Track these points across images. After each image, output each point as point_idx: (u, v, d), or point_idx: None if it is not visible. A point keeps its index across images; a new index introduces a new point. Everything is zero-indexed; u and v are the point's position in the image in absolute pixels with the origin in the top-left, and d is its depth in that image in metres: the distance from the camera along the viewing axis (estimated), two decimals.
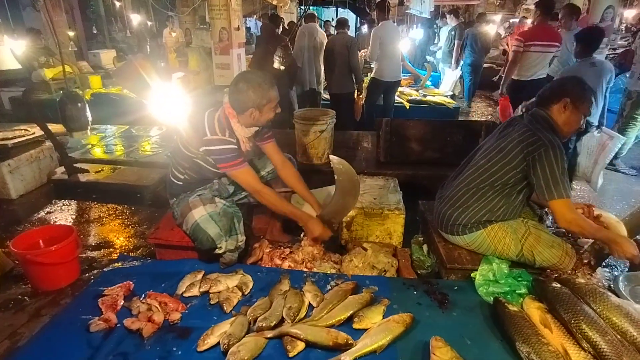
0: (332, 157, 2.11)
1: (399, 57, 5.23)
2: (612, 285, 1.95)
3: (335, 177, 2.13)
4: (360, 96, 5.16)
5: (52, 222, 2.97)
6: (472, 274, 1.96)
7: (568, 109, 1.87)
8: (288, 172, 2.33)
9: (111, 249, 2.59)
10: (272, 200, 2.12)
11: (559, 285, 1.69)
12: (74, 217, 3.09)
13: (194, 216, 2.02)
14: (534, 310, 1.66)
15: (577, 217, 1.82)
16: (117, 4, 9.88)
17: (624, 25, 10.35)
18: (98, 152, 4.04)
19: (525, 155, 1.83)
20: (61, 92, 4.49)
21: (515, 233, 1.94)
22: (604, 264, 2.28)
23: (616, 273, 2.35)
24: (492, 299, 1.80)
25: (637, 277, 1.95)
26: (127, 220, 3.02)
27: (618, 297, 1.74)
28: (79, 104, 3.40)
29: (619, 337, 1.47)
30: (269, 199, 2.11)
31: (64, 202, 3.29)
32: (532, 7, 6.48)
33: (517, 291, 1.83)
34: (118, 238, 2.76)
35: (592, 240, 2.05)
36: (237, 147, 2.05)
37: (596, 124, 3.28)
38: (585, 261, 2.00)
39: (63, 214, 3.12)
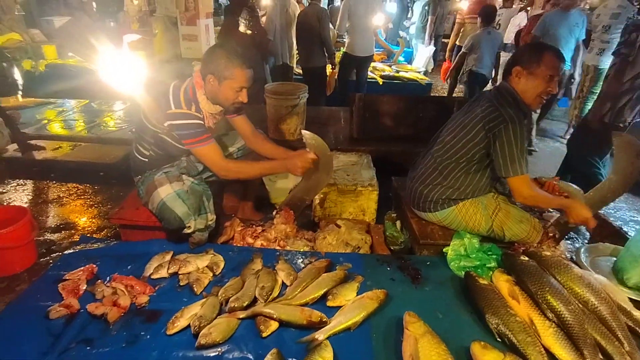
0: (304, 132, 2.04)
1: (371, 31, 5.13)
2: (574, 257, 2.03)
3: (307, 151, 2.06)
4: (334, 70, 5.04)
5: (5, 203, 2.78)
6: (444, 249, 1.99)
7: (522, 76, 1.84)
8: (258, 140, 2.25)
9: (72, 231, 2.45)
10: (243, 169, 2.06)
11: (526, 258, 1.73)
12: (29, 197, 2.90)
13: (160, 195, 1.92)
14: (503, 283, 1.70)
15: (534, 194, 1.86)
16: None
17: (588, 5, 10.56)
18: (56, 128, 3.78)
19: (486, 131, 1.83)
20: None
21: (486, 209, 1.97)
22: (567, 236, 2.38)
23: (577, 245, 2.46)
24: (463, 273, 1.84)
25: (597, 248, 2.04)
26: (89, 201, 2.87)
27: (580, 268, 1.82)
28: (4, 64, 3.09)
29: (581, 306, 1.54)
30: (238, 170, 2.04)
31: (19, 182, 3.08)
32: None
33: (487, 265, 1.87)
34: (80, 219, 2.62)
35: (557, 215, 2.12)
36: (203, 122, 1.95)
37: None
38: (551, 235, 2.06)
39: (17, 194, 2.93)
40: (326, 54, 4.83)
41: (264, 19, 4.87)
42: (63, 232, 2.42)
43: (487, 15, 4.62)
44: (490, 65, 4.73)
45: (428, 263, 1.98)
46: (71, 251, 2.03)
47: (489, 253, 1.92)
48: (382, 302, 1.66)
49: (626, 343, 1.45)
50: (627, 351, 1.42)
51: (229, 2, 4.81)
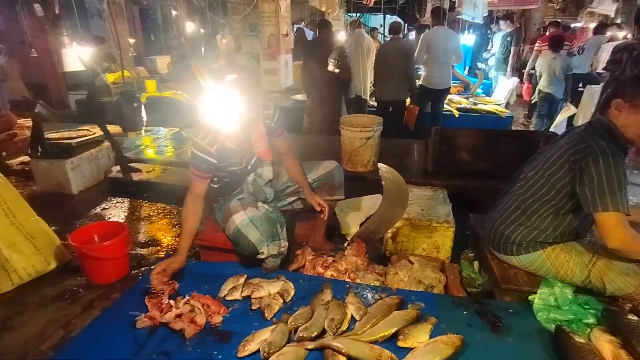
0: (380, 165, 2.04)
1: (449, 64, 5.07)
2: None
3: (383, 185, 2.05)
4: (416, 106, 4.97)
5: (106, 218, 3.13)
6: (529, 297, 1.80)
7: (624, 110, 1.64)
8: (290, 161, 2.29)
9: (159, 247, 2.67)
10: (182, 214, 2.07)
11: (636, 318, 1.50)
12: (126, 214, 3.23)
13: (235, 221, 2.01)
14: (605, 344, 1.48)
15: (632, 234, 1.55)
16: (174, 12, 10.41)
17: None
18: (150, 153, 4.22)
19: (571, 163, 1.65)
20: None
21: (581, 256, 1.76)
22: None
23: None
24: (553, 326, 1.64)
25: None
26: (174, 220, 3.11)
27: None
28: (135, 104, 3.56)
29: None
30: (183, 211, 2.07)
31: (118, 200, 3.46)
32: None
33: (583, 320, 1.64)
34: (165, 237, 2.85)
35: None
36: (215, 163, 2.05)
37: None
38: None
39: (117, 210, 3.28)
40: (409, 89, 4.84)
41: None
42: (151, 247, 2.65)
43: (554, 44, 5.40)
44: (557, 85, 5.39)
45: (511, 310, 1.80)
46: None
47: (585, 307, 1.69)
48: (458, 349, 1.53)
49: None
50: None
51: (316, 42, 5.06)
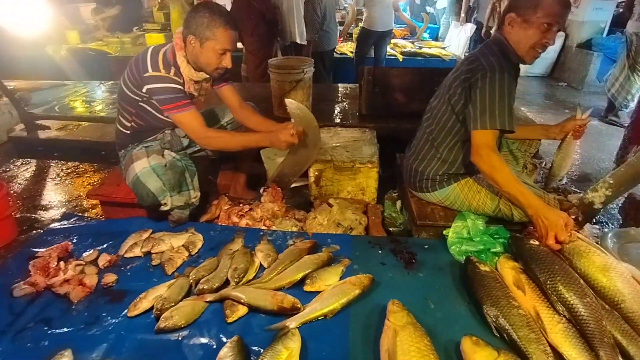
0: (287, 100, 1.86)
1: (390, 4, 4.81)
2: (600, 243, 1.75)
3: (293, 122, 1.88)
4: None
5: (8, 182, 2.79)
6: (444, 232, 1.77)
7: (516, 24, 1.55)
8: (245, 111, 2.09)
9: (64, 209, 2.41)
10: (224, 139, 1.91)
11: (537, 242, 1.49)
12: (30, 175, 2.90)
13: (135, 169, 1.80)
14: (508, 270, 1.47)
15: (495, 158, 1.51)
16: None
17: None
18: (63, 109, 3.78)
19: (464, 83, 1.58)
20: None
21: (491, 185, 1.71)
22: (594, 220, 2.08)
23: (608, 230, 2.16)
24: (464, 258, 1.62)
25: (629, 233, 1.74)
26: (88, 179, 2.83)
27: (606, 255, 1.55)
28: None
29: (599, 300, 1.29)
30: (218, 141, 1.89)
31: (24, 161, 3.09)
32: None
33: (492, 250, 1.63)
34: (75, 198, 2.58)
35: (581, 194, 1.84)
36: (183, 87, 1.81)
37: None
38: (573, 217, 1.79)
39: (20, 172, 2.93)
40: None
41: None
42: (50, 210, 2.38)
43: None
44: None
45: (426, 246, 1.77)
46: (50, 228, 1.97)
47: (495, 236, 1.68)
48: (366, 289, 1.47)
49: None
50: None
51: None
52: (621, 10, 5.62)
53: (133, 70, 1.78)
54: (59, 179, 2.83)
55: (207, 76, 1.87)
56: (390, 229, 2.04)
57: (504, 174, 1.52)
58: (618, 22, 5.44)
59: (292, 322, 1.33)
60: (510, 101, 1.51)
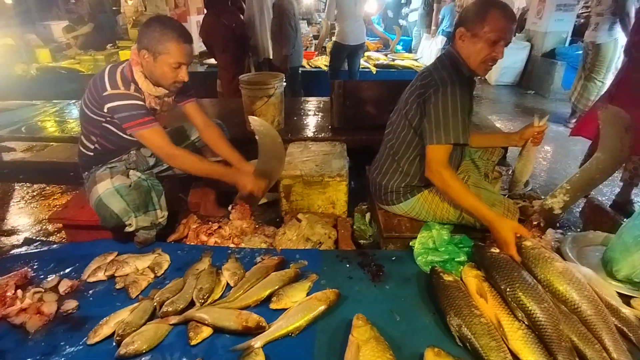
0: (251, 117, 1.87)
1: (361, 18, 4.90)
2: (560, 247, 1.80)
3: (257, 139, 1.89)
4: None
5: None
6: (410, 243, 1.79)
7: (466, 39, 1.59)
8: (212, 133, 2.06)
9: (26, 234, 2.34)
10: (189, 162, 1.86)
11: (497, 250, 1.52)
12: None
13: (98, 191, 1.77)
14: (471, 279, 1.49)
15: (448, 174, 1.57)
16: None
17: None
18: (30, 129, 3.68)
19: (418, 99, 1.63)
20: None
21: None
22: (557, 224, 2.14)
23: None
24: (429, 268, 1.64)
25: (587, 237, 1.80)
26: (55, 201, 2.76)
27: (565, 260, 1.60)
28: None
29: (556, 304, 1.32)
30: (184, 161, 1.85)
31: None
32: None
33: (456, 259, 1.66)
34: (39, 221, 2.50)
35: (542, 200, 1.90)
36: (144, 103, 1.80)
37: None
38: (535, 222, 1.84)
39: None
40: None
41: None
42: (12, 235, 2.30)
43: None
44: None
45: (393, 258, 1.78)
46: (10, 255, 1.90)
47: (460, 245, 1.71)
48: (332, 304, 1.47)
49: (612, 349, 1.22)
50: (613, 358, 1.20)
51: None
52: (582, 20, 5.91)
53: (92, 91, 1.76)
54: (24, 202, 2.75)
55: (167, 91, 1.86)
56: (360, 241, 2.05)
57: (456, 189, 1.58)
58: (579, 32, 5.70)
59: (257, 342, 1.32)
60: (464, 114, 1.55)
